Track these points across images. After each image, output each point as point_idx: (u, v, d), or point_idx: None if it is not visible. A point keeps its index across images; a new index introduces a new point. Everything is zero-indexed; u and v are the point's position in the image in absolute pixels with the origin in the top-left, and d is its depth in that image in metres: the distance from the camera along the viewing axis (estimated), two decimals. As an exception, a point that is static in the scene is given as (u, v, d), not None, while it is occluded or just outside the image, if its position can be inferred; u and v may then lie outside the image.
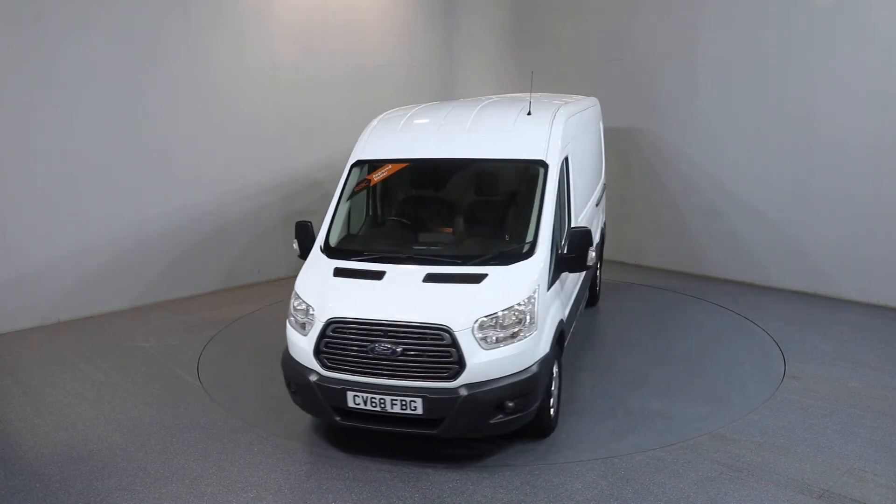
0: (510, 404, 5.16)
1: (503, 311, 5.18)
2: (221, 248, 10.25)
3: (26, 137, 8.45)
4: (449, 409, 5.10)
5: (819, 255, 9.41)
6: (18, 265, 8.59)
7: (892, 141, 8.60)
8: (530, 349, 5.26)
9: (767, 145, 9.66)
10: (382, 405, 5.22)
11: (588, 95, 9.39)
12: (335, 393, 5.31)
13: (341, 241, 6.22)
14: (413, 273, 5.53)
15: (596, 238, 8.53)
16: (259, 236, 10.45)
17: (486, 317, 5.14)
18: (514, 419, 5.24)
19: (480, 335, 5.11)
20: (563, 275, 6.15)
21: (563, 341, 6.15)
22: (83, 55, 8.72)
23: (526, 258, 5.54)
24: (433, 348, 5.12)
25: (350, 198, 6.50)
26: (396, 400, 5.16)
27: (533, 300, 5.30)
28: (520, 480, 5.26)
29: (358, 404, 5.27)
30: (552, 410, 5.81)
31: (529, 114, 6.52)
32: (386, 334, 5.20)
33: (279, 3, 10.33)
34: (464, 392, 5.07)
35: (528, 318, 5.24)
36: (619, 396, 6.67)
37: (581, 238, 5.74)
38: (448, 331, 5.09)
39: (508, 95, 8.78)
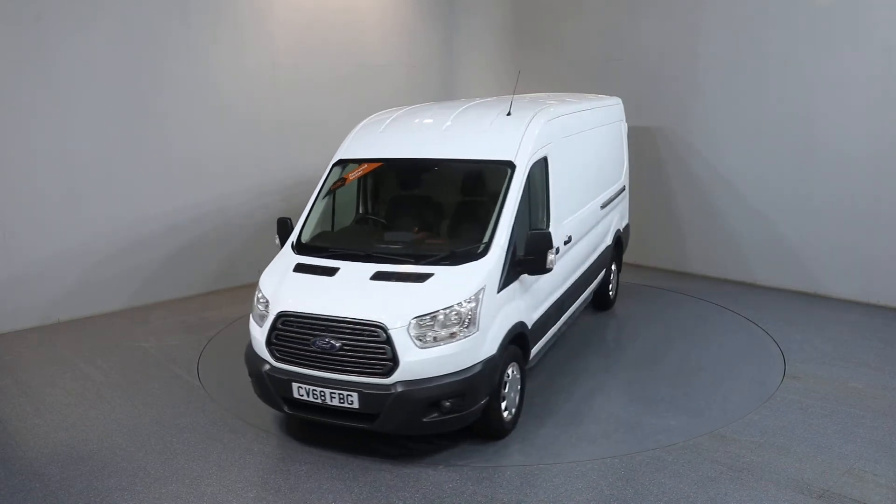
0: (446, 404, 5.23)
1: (440, 310, 5.22)
2: (221, 247, 10.25)
3: (26, 137, 8.45)
4: (383, 405, 5.21)
5: (819, 255, 9.41)
6: (18, 265, 8.59)
7: (893, 141, 8.60)
8: (470, 350, 5.28)
9: (767, 146, 9.66)
10: (323, 398, 5.36)
11: (577, 94, 9.38)
12: (283, 384, 5.51)
13: (311, 238, 6.40)
14: (363, 271, 5.64)
15: (606, 241, 8.47)
16: (259, 236, 10.44)
17: (422, 316, 5.21)
18: (450, 419, 5.30)
19: (416, 334, 5.18)
20: (536, 277, 6.12)
21: (528, 344, 6.04)
22: (83, 55, 8.72)
23: (477, 259, 5.57)
24: (368, 345, 5.24)
25: (326, 196, 6.68)
26: (335, 393, 5.31)
27: (475, 301, 5.31)
28: (520, 480, 5.26)
29: (302, 396, 5.45)
30: (506, 413, 5.78)
31: (509, 114, 6.53)
32: (327, 329, 5.34)
33: (279, 2, 10.33)
34: (397, 389, 5.16)
35: (467, 318, 5.27)
36: (619, 396, 6.68)
37: (539, 241, 5.72)
38: (383, 328, 5.18)
39: (516, 96, 8.57)
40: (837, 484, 5.14)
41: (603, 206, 8.20)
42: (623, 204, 9.34)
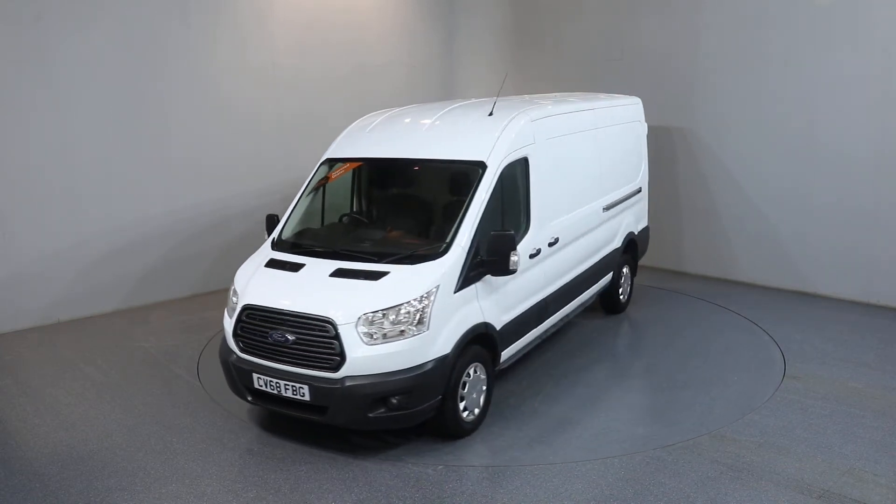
0: (393, 400, 5.31)
1: (389, 308, 5.30)
2: (222, 247, 10.25)
3: (26, 137, 8.45)
4: (331, 398, 5.33)
5: (819, 255, 9.41)
6: (19, 265, 8.59)
7: (893, 142, 8.60)
8: (419, 348, 5.33)
9: (766, 146, 9.67)
10: (278, 389, 5.53)
11: (590, 94, 9.26)
12: (245, 374, 5.72)
13: (290, 235, 6.57)
14: (326, 268, 5.77)
15: (614, 244, 8.32)
16: (259, 235, 10.40)
17: (370, 313, 5.29)
18: (398, 416, 5.37)
19: (364, 330, 5.27)
20: (509, 279, 6.11)
21: (495, 346, 6.04)
22: (83, 55, 8.72)
23: (436, 258, 5.62)
24: (318, 339, 5.36)
25: (310, 194, 6.88)
26: (289, 385, 5.47)
27: (427, 300, 5.37)
28: (520, 480, 5.26)
29: (261, 386, 5.65)
30: (466, 413, 5.81)
31: (491, 115, 6.56)
32: (283, 323, 5.51)
33: (279, 2, 10.32)
34: (345, 384, 5.27)
35: (416, 317, 5.32)
36: (619, 396, 6.68)
37: (501, 242, 5.70)
38: (332, 323, 5.30)
39: (512, 97, 8.44)
40: (837, 484, 5.14)
41: (608, 209, 8.07)
42: (639, 206, 9.16)
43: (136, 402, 6.68)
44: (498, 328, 6.03)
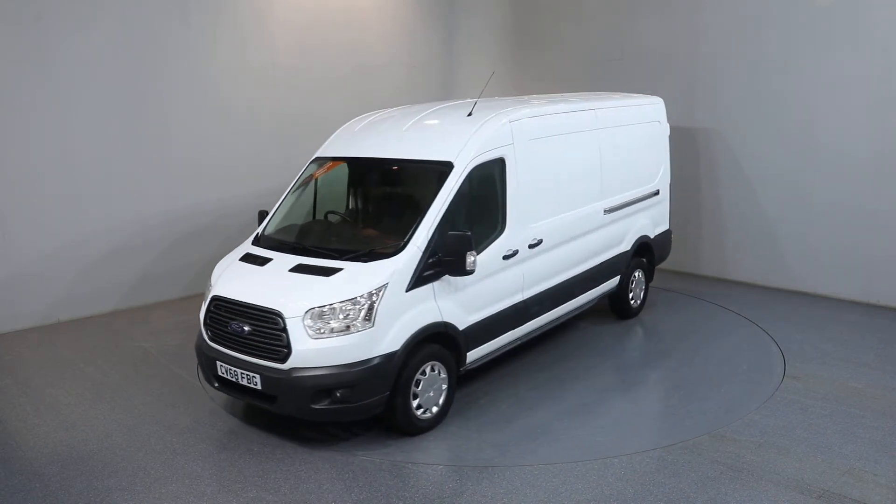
0: (338, 393, 5.45)
1: (335, 304, 5.44)
2: (222, 247, 10.18)
3: (26, 137, 8.45)
4: (279, 388, 5.53)
5: (819, 255, 9.41)
6: (18, 265, 8.59)
7: (893, 141, 8.60)
8: (363, 344, 5.46)
9: (767, 146, 9.67)
10: (236, 377, 5.78)
11: (593, 93, 9.15)
12: (211, 361, 5.98)
13: (272, 231, 6.74)
14: (288, 263, 5.99)
15: (621, 247, 8.15)
16: (259, 236, 10.44)
17: (317, 307, 5.44)
18: (342, 409, 5.51)
19: (310, 324, 5.43)
20: (477, 279, 6.13)
21: (458, 346, 6.08)
22: (83, 55, 8.72)
23: (390, 257, 5.73)
24: (269, 331, 5.56)
25: (297, 191, 7.07)
26: (244, 374, 5.71)
27: (374, 297, 5.49)
28: (520, 480, 5.26)
29: (223, 374, 5.90)
30: (421, 412, 5.88)
31: (470, 115, 6.61)
32: (240, 314, 5.76)
33: (279, 2, 10.32)
34: (291, 375, 5.46)
35: (361, 313, 5.44)
36: (618, 396, 6.68)
37: (457, 242, 5.74)
38: (280, 316, 5.48)
39: (527, 97, 8.30)
40: (837, 484, 5.14)
41: (611, 211, 7.92)
42: (657, 209, 8.88)
43: (136, 402, 6.68)
44: (461, 328, 6.07)
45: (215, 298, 6.00)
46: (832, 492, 5.05)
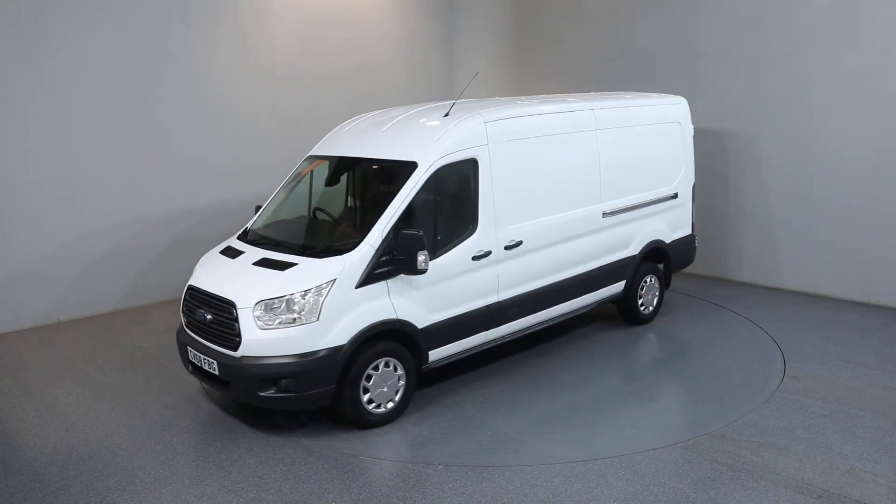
0: (283, 382, 5.68)
1: (283, 297, 5.69)
2: (221, 248, 10.24)
3: (26, 137, 8.45)
4: (231, 374, 5.83)
5: (819, 255, 9.41)
6: (18, 265, 8.59)
7: (893, 141, 8.60)
8: (308, 336, 5.67)
9: (766, 145, 9.67)
10: (200, 362, 6.12)
11: (594, 93, 9.03)
12: (184, 346, 6.35)
13: (256, 226, 6.98)
14: (255, 256, 6.28)
15: (627, 251, 7.89)
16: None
17: (266, 300, 5.70)
18: (287, 397, 5.74)
19: (259, 314, 5.71)
20: (440, 279, 6.18)
21: (416, 345, 6.16)
22: (83, 55, 8.72)
23: (342, 253, 5.89)
24: (224, 320, 5.90)
25: (287, 188, 7.31)
26: (205, 359, 6.05)
27: (321, 292, 5.69)
28: (520, 480, 5.26)
29: (192, 359, 6.25)
30: (373, 406, 6.01)
31: (447, 115, 6.67)
32: (206, 303, 6.11)
33: (279, 2, 10.32)
34: (242, 362, 5.75)
35: (307, 307, 5.65)
36: (617, 396, 6.68)
37: (408, 241, 5.84)
38: (234, 306, 5.80)
39: (541, 96, 8.13)
40: (837, 484, 5.14)
41: (611, 214, 7.70)
42: (674, 213, 8.51)
43: (136, 402, 6.68)
44: (420, 327, 6.14)
45: (189, 288, 6.38)
46: (832, 492, 5.05)
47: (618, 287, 8.04)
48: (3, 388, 7.04)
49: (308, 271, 5.83)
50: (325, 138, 7.47)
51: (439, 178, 6.30)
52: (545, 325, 7.43)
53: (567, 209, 7.31)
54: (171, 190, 9.65)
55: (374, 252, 5.88)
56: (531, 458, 5.56)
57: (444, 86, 12.70)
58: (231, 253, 6.52)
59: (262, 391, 5.72)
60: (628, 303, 8.24)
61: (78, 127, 8.79)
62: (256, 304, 5.70)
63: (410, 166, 6.22)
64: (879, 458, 5.48)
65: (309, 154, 7.43)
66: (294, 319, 5.66)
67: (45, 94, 8.52)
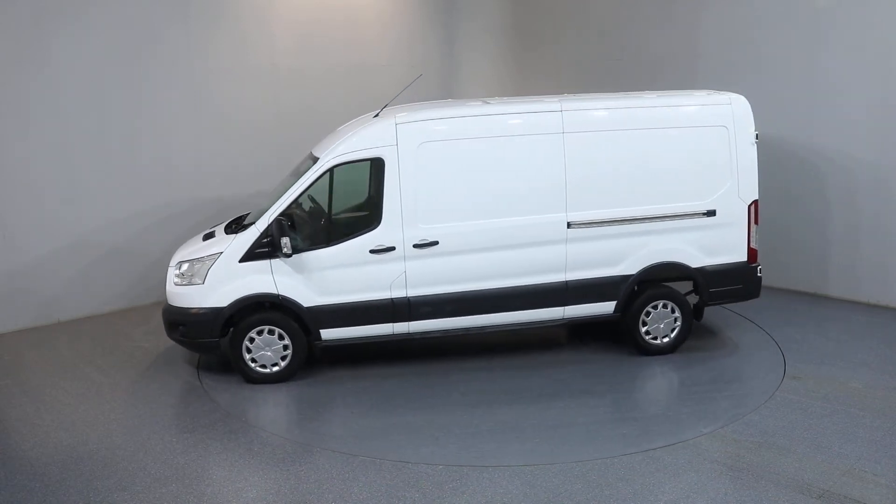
0: (181, 328, 7.01)
1: (185, 262, 7.08)
2: (221, 248, 10.23)
3: (25, 137, 8.45)
4: (162, 318, 7.30)
5: (819, 255, 9.40)
6: (18, 265, 8.59)
7: (893, 141, 8.60)
8: (194, 295, 6.94)
9: (765, 146, 9.64)
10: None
11: (593, 93, 8.88)
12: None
13: (244, 216, 7.73)
14: (214, 234, 7.41)
15: (616, 270, 7.16)
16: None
17: (178, 262, 7.16)
18: (185, 341, 7.13)
19: (174, 272, 7.15)
20: (328, 265, 6.82)
21: (303, 321, 6.91)
22: (83, 55, 8.72)
23: (239, 233, 6.97)
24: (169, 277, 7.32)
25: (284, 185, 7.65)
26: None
27: (209, 261, 6.89)
28: (520, 480, 5.26)
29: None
30: (256, 364, 6.96)
31: (376, 116, 7.21)
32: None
33: (279, 2, 10.32)
34: (163, 308, 7.29)
35: (195, 272, 6.94)
36: (616, 396, 6.68)
37: (275, 227, 6.72)
38: (171, 266, 7.27)
39: (555, 96, 7.55)
40: (837, 484, 5.15)
41: (582, 226, 7.04)
42: (707, 233, 7.31)
43: (136, 402, 6.69)
44: (306, 306, 6.88)
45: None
46: (832, 492, 5.05)
47: (602, 307, 7.33)
48: (3, 388, 7.05)
49: (212, 244, 7.04)
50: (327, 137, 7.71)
51: (339, 175, 6.95)
52: (485, 331, 7.22)
53: (508, 215, 6.97)
54: (170, 190, 9.64)
55: (258, 234, 6.82)
56: (531, 459, 5.57)
57: (444, 86, 12.69)
58: (208, 236, 7.52)
59: (171, 333, 7.15)
60: (629, 328, 7.43)
61: (78, 127, 8.78)
62: (176, 264, 7.15)
63: (315, 161, 6.98)
64: (879, 458, 5.49)
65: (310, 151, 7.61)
66: (191, 280, 6.93)
67: (45, 94, 8.51)
